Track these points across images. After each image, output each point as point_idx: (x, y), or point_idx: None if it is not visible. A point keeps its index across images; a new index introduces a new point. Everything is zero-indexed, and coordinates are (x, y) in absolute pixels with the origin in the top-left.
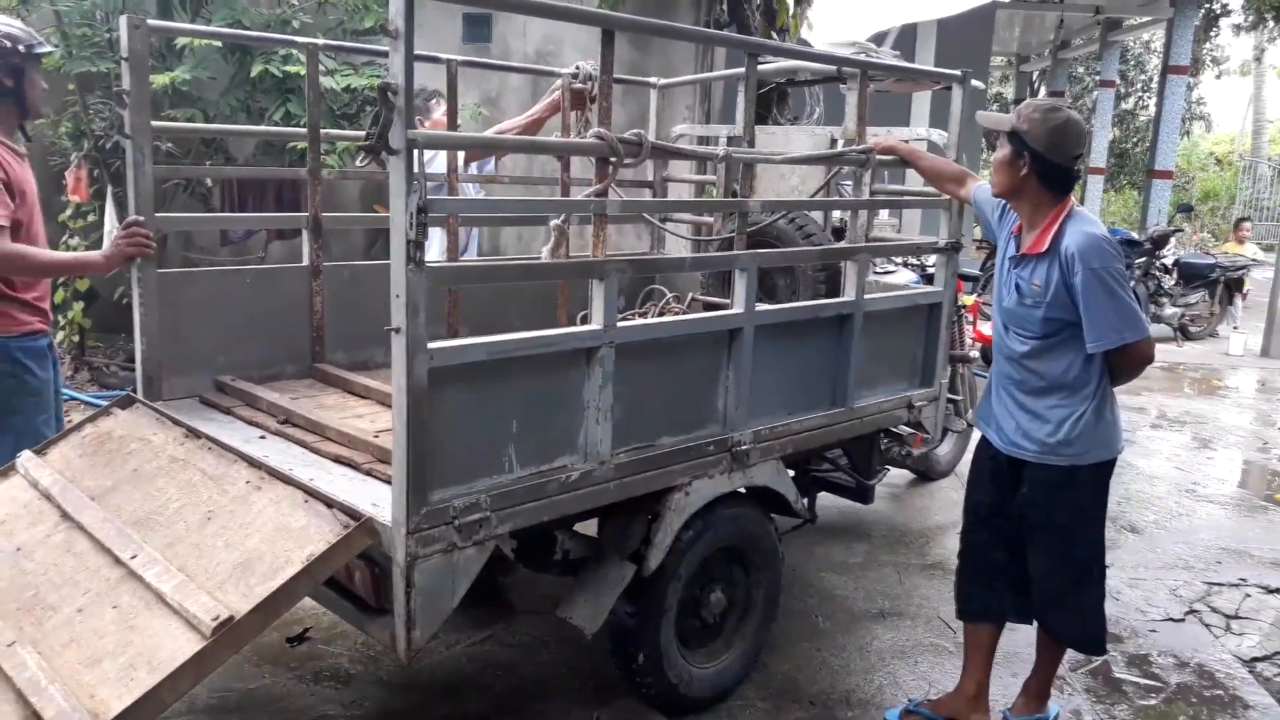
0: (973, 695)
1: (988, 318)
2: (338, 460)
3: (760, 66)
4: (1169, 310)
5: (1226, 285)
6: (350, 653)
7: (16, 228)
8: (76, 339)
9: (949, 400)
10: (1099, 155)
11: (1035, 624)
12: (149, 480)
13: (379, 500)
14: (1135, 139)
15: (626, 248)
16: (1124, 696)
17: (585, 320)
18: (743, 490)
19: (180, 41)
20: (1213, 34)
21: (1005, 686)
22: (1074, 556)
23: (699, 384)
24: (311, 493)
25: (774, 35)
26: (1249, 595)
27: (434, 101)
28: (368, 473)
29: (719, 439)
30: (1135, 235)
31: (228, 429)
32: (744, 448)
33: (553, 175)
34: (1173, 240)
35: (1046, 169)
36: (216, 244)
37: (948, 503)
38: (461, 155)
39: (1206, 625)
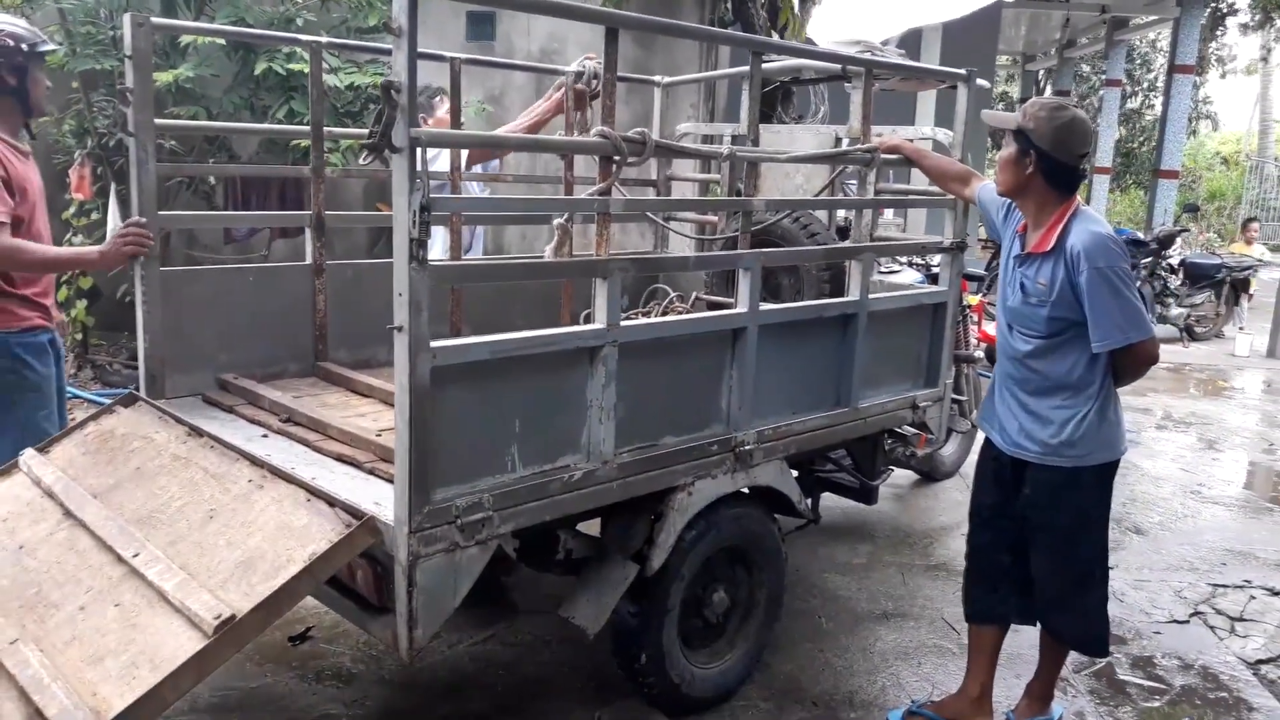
0: (976, 697)
1: (993, 318)
2: (340, 459)
3: (765, 65)
4: (1174, 310)
5: (1232, 286)
6: (352, 652)
7: (17, 224)
8: (80, 337)
9: (953, 401)
10: (1105, 155)
11: (1038, 625)
12: (151, 478)
13: (381, 499)
14: (1141, 138)
15: (630, 246)
16: (1128, 698)
17: (588, 319)
18: (746, 490)
19: (184, 39)
20: (1219, 33)
21: (1009, 688)
22: (1077, 558)
23: (702, 383)
24: (314, 491)
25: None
26: (1254, 597)
27: (437, 99)
28: (370, 471)
29: (722, 439)
30: (1141, 235)
31: (230, 427)
32: (747, 448)
33: (556, 174)
34: (1178, 240)
35: (1052, 167)
36: (220, 242)
37: (952, 504)
38: (465, 155)
39: (1211, 627)
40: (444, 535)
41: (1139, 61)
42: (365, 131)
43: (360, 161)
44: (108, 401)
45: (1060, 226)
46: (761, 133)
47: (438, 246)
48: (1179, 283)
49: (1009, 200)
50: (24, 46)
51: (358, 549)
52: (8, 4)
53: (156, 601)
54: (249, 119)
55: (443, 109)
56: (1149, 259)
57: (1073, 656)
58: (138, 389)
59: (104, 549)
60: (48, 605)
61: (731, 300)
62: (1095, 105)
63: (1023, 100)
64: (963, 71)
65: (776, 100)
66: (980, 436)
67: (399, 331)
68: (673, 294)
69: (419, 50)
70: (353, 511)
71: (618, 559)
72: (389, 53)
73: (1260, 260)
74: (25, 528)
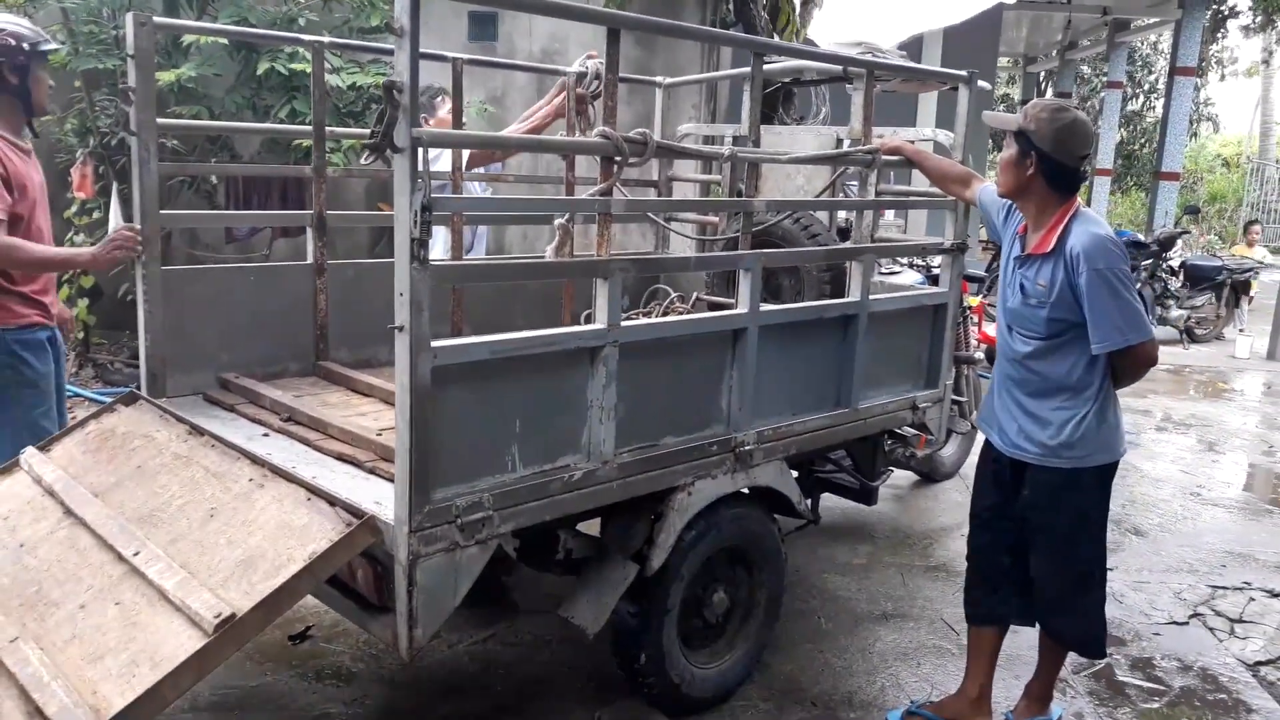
0: (975, 697)
1: (993, 319)
2: (341, 458)
3: (766, 66)
4: (1175, 312)
5: (1233, 288)
6: (352, 651)
7: (16, 221)
8: (81, 335)
9: (953, 402)
10: (1106, 156)
11: (1037, 626)
12: (152, 477)
13: (382, 498)
14: (1142, 140)
15: (631, 247)
16: (1127, 700)
17: (589, 319)
18: (746, 491)
19: (186, 39)
20: (1221, 35)
21: (1008, 689)
22: (1076, 559)
23: (703, 384)
24: (314, 490)
25: (775, 36)
26: (1253, 599)
27: (439, 100)
28: (370, 471)
29: (722, 439)
30: (1142, 237)
31: (231, 426)
32: (747, 448)
33: (557, 174)
34: (1179, 242)
35: (1053, 169)
36: (221, 241)
37: (951, 504)
38: (466, 155)
39: (1210, 629)
40: (444, 535)
41: (1140, 63)
42: (367, 131)
43: (362, 161)
44: (109, 400)
45: (1060, 228)
46: (763, 134)
47: (439, 246)
48: (1179, 285)
49: (1009, 202)
50: (26, 45)
51: (358, 548)
52: (10, 3)
53: (157, 600)
54: (251, 118)
55: (444, 109)
56: (1150, 261)
57: (1072, 657)
58: (139, 388)
59: (104, 547)
60: (48, 603)
61: (732, 301)
62: (1096, 107)
63: (1024, 102)
64: (964, 73)
65: (778, 101)
66: (980, 438)
67: (400, 331)
68: (673, 294)
69: (421, 50)
70: (353, 511)
71: (618, 559)
72: (391, 53)
73: (1261, 263)
74: (26, 526)
